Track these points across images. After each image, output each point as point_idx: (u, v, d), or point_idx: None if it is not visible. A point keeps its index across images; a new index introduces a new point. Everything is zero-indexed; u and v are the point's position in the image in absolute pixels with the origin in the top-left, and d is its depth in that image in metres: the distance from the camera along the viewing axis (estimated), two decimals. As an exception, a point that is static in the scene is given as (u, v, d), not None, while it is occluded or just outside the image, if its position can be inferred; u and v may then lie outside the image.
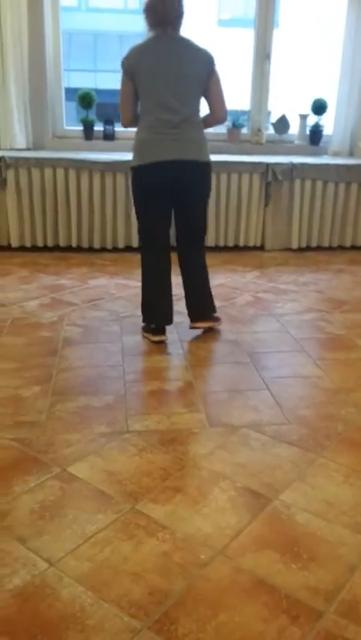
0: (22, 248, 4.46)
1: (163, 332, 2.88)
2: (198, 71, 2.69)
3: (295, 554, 1.51)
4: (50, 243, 4.47)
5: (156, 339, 2.86)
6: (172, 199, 2.81)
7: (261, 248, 4.73)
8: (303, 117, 4.99)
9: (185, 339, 2.92)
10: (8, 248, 4.45)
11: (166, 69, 2.65)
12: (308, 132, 5.02)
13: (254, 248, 4.71)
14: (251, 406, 2.27)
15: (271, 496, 1.73)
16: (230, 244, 4.65)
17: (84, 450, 1.95)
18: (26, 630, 1.28)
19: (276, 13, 4.95)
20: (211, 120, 2.83)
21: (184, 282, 2.98)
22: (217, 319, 3.06)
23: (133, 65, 2.68)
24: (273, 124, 5.04)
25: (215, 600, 1.37)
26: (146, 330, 2.95)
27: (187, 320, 3.09)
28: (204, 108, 2.81)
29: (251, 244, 4.68)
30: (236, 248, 4.68)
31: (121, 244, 4.52)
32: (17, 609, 1.33)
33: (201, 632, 1.28)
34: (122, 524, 1.60)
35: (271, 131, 5.05)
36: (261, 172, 4.50)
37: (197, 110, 2.76)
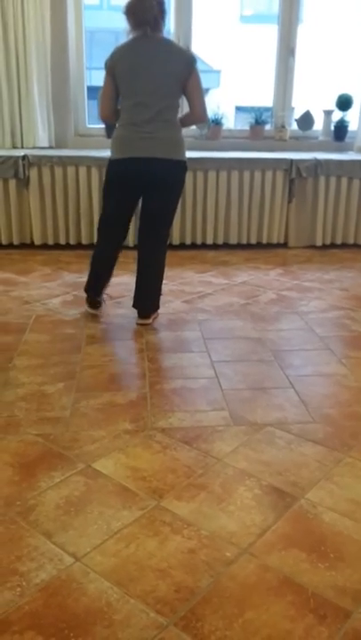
0: (45, 246, 4.49)
1: (93, 306, 3.17)
2: (177, 71, 2.75)
3: (322, 553, 1.50)
4: (72, 240, 4.49)
5: (87, 307, 3.19)
6: (139, 195, 2.94)
7: (285, 245, 4.70)
8: (328, 113, 4.94)
9: (208, 337, 2.91)
10: (31, 246, 4.49)
11: (145, 69, 2.74)
12: (332, 128, 4.96)
13: (277, 245, 4.68)
14: (275, 404, 2.25)
15: (297, 495, 1.72)
16: (253, 241, 4.63)
17: (109, 446, 1.95)
18: (53, 624, 1.28)
19: (301, 8, 4.90)
20: (189, 119, 2.92)
21: (136, 276, 3.06)
22: (154, 315, 3.10)
23: (114, 64, 2.79)
24: (297, 121, 5.00)
25: (242, 598, 1.36)
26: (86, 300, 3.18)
27: (210, 319, 3.08)
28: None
29: (274, 241, 4.65)
30: (259, 245, 4.66)
31: (143, 242, 4.52)
32: (43, 603, 1.34)
33: (228, 629, 1.28)
34: (147, 521, 1.60)
35: (295, 127, 5.01)
36: (285, 169, 4.47)
37: (174, 110, 2.84)
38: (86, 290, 3.15)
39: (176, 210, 2.99)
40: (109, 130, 2.95)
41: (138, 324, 3.05)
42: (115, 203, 2.94)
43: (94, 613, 1.31)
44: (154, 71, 2.74)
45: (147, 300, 3.05)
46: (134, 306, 3.07)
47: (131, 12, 2.73)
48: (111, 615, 1.31)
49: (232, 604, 1.34)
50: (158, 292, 3.07)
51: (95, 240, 3.14)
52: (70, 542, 1.52)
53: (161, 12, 2.75)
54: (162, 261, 3.04)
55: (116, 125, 2.88)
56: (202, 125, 4.69)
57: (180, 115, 2.89)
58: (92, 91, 5.13)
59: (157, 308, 3.09)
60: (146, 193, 2.91)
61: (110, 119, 2.91)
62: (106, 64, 2.82)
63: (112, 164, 2.88)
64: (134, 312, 3.22)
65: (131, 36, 2.78)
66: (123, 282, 3.77)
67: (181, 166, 2.86)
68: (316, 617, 1.31)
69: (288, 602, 1.35)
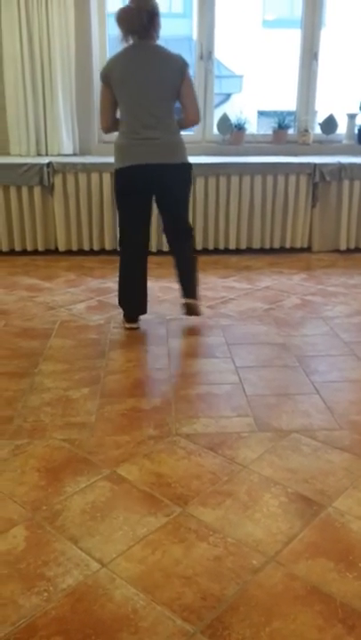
0: (69, 252, 4.53)
1: (134, 320, 3.09)
2: (170, 77, 2.81)
3: (350, 562, 1.48)
4: (96, 246, 4.53)
5: (128, 326, 3.08)
6: (150, 200, 2.97)
7: (308, 250, 4.66)
8: (352, 117, 4.90)
9: (232, 342, 2.90)
10: (55, 252, 4.53)
11: (140, 77, 2.79)
12: (356, 132, 4.92)
13: (301, 250, 4.65)
14: (301, 411, 2.23)
15: (324, 503, 1.70)
16: (276, 245, 4.60)
17: (133, 452, 1.96)
18: (79, 630, 1.29)
19: (323, 13, 4.88)
20: (185, 122, 2.94)
21: (177, 269, 3.10)
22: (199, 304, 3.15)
23: (109, 74, 2.82)
24: (320, 124, 4.97)
25: (269, 606, 1.34)
26: (124, 316, 3.12)
27: (234, 324, 3.08)
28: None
29: (297, 245, 4.62)
30: (282, 250, 4.63)
31: (166, 248, 4.52)
32: (70, 608, 1.34)
33: (255, 638, 1.26)
34: (172, 527, 1.60)
35: (318, 131, 4.98)
36: (308, 173, 4.44)
37: (171, 114, 2.89)
38: (124, 309, 3.10)
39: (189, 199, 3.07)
40: None
41: (189, 308, 3.09)
42: (131, 211, 2.95)
43: (120, 620, 1.31)
44: (149, 78, 2.78)
45: (194, 284, 3.09)
46: (184, 295, 3.09)
47: (120, 21, 2.78)
48: (137, 622, 1.31)
49: (259, 613, 1.33)
50: (198, 282, 3.14)
51: (120, 250, 3.08)
52: (96, 548, 1.52)
53: (152, 21, 2.79)
54: (194, 250, 3.15)
55: (118, 134, 2.91)
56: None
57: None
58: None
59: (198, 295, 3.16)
60: (157, 196, 2.96)
61: (111, 129, 2.96)
62: (101, 75, 2.87)
63: (119, 174, 2.89)
64: (156, 318, 3.23)
65: (123, 45, 2.84)
66: (146, 287, 3.78)
67: (187, 168, 2.93)
68: (344, 627, 1.29)
69: (316, 611, 1.33)
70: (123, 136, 2.88)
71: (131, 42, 2.81)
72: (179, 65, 2.81)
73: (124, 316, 3.11)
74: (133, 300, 3.08)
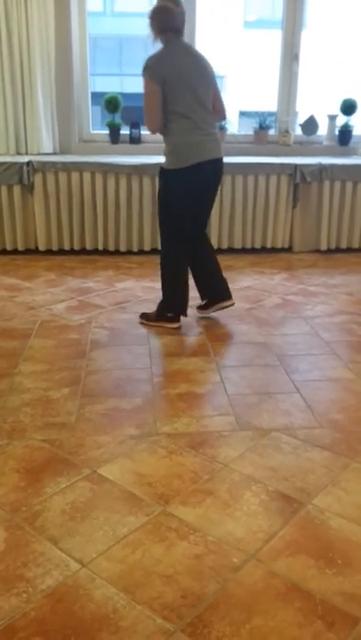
0: (49, 251, 4.50)
1: (179, 319, 3.08)
2: (211, 73, 2.90)
3: (330, 559, 1.49)
4: (76, 246, 4.50)
5: (175, 326, 3.05)
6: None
7: (289, 250, 4.69)
8: (332, 118, 4.94)
9: (213, 341, 2.90)
10: (35, 251, 4.50)
11: (194, 73, 2.81)
12: (336, 133, 4.96)
13: (282, 250, 4.68)
14: (281, 409, 2.24)
15: (304, 500, 1.71)
16: (258, 245, 4.62)
17: (114, 452, 1.95)
18: (59, 631, 1.28)
19: (304, 14, 4.91)
20: (218, 119, 3.01)
21: (208, 269, 3.12)
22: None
23: (163, 72, 2.75)
24: (301, 125, 5.00)
25: (249, 604, 1.35)
26: (165, 319, 3.06)
27: (215, 323, 3.08)
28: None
29: (279, 245, 4.64)
30: (264, 250, 4.65)
31: (147, 247, 4.53)
32: (50, 609, 1.33)
33: (235, 636, 1.27)
34: (153, 527, 1.59)
35: (299, 132, 5.01)
36: (289, 174, 4.47)
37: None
38: (174, 309, 3.05)
39: None
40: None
41: (224, 307, 3.17)
42: (198, 209, 2.96)
43: (100, 620, 1.30)
44: (200, 74, 2.82)
45: (225, 283, 3.16)
46: (226, 297, 3.15)
47: (161, 18, 2.76)
48: (117, 621, 1.30)
49: (239, 611, 1.33)
50: None
51: (168, 259, 3.01)
52: (76, 548, 1.51)
53: (183, 21, 2.84)
54: None
55: (172, 133, 2.83)
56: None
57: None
58: (95, 96, 5.16)
59: None
60: (208, 193, 2.98)
61: (161, 129, 2.86)
62: (150, 72, 2.74)
63: (182, 173, 2.82)
64: (137, 318, 3.21)
65: (161, 43, 2.80)
66: (127, 287, 3.78)
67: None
68: (324, 623, 1.30)
69: (296, 608, 1.34)
70: (186, 133, 2.81)
71: (163, 39, 2.79)
72: (210, 63, 2.90)
73: (174, 316, 3.05)
74: (185, 299, 3.05)
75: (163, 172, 2.88)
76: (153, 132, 2.86)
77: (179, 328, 3.05)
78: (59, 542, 1.53)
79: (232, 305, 3.19)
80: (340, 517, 1.63)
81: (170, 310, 3.05)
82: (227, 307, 3.18)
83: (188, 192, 2.87)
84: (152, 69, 2.75)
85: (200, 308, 3.24)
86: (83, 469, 1.85)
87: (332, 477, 1.81)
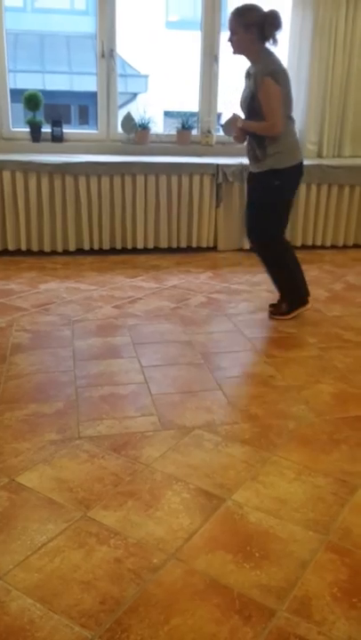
0: (-30, 253, 4.34)
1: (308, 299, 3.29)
2: None
3: (248, 553, 1.51)
4: (-1, 247, 4.37)
5: (309, 306, 3.28)
6: None
7: (214, 249, 4.75)
8: (252, 119, 5.03)
9: (138, 341, 2.90)
10: None
11: (290, 82, 2.95)
12: (257, 134, 5.06)
13: (207, 249, 4.73)
14: (204, 407, 2.26)
15: (224, 496, 1.73)
16: (183, 245, 4.65)
17: (34, 458, 1.90)
18: (-28, 648, 1.23)
19: (223, 15, 4.98)
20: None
21: (299, 268, 3.24)
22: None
23: (284, 77, 2.87)
24: (222, 126, 5.07)
25: (168, 604, 1.35)
26: (298, 305, 3.24)
27: (140, 323, 3.08)
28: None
29: (204, 244, 4.69)
30: (190, 249, 4.69)
31: (72, 247, 4.46)
32: None
33: (153, 638, 1.27)
34: (72, 533, 1.57)
35: (221, 132, 5.08)
36: (212, 174, 4.52)
37: None
38: (305, 293, 3.23)
39: None
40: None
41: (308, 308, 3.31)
42: (291, 207, 3.16)
43: (16, 632, 1.27)
44: (290, 82, 2.95)
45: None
46: (307, 293, 3.27)
47: (277, 23, 2.83)
48: (34, 633, 1.27)
49: (158, 612, 1.33)
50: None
51: (278, 246, 3.17)
52: (-8, 560, 1.47)
53: None
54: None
55: (285, 134, 2.93)
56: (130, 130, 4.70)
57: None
58: (17, 93, 5.01)
59: None
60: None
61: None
62: (278, 77, 2.83)
63: (295, 169, 3.00)
64: (61, 319, 3.16)
65: (261, 48, 2.88)
66: (51, 288, 3.70)
67: None
68: (241, 618, 1.32)
69: (214, 605, 1.35)
70: (292, 135, 2.98)
71: (266, 45, 2.88)
72: None
73: (304, 301, 3.23)
74: (305, 280, 3.23)
75: (276, 172, 2.96)
76: (277, 133, 2.90)
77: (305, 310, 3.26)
78: (-27, 556, 1.48)
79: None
80: (258, 511, 1.67)
81: (302, 295, 3.21)
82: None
83: (294, 187, 3.08)
84: (277, 74, 2.83)
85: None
86: (0, 478, 1.79)
87: (251, 472, 1.85)
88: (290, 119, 2.98)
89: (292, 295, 3.25)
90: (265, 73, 2.83)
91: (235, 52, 2.97)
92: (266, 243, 3.16)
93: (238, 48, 2.93)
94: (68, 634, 1.27)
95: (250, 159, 3.09)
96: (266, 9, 2.85)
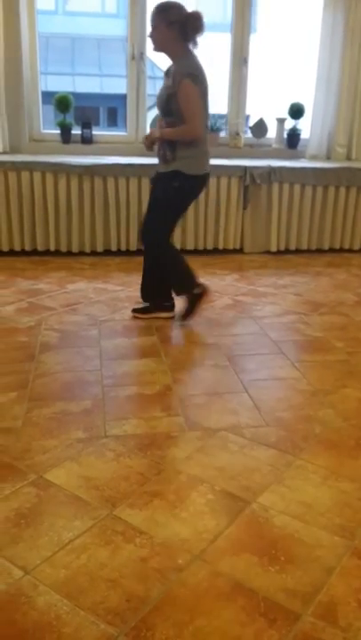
0: None
1: (173, 309, 3.26)
2: None
3: (273, 556, 1.51)
4: (27, 247, 4.43)
5: (171, 315, 3.21)
6: None
7: (241, 251, 4.74)
8: (281, 121, 5.03)
9: (164, 342, 2.91)
10: (-15, 252, 4.40)
11: (207, 89, 2.89)
12: (285, 136, 5.05)
13: (233, 251, 4.72)
14: (229, 409, 2.26)
15: (249, 499, 1.73)
16: (209, 247, 4.66)
17: (61, 456, 1.93)
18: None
19: (253, 18, 4.98)
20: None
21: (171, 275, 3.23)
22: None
23: (202, 79, 2.81)
24: (251, 128, 5.07)
25: (192, 605, 1.36)
26: (156, 310, 3.22)
27: (166, 325, 3.10)
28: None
29: (230, 246, 4.69)
30: (216, 251, 4.69)
31: (100, 248, 4.50)
32: (-9, 619, 1.31)
33: (178, 637, 1.27)
34: (99, 530, 1.58)
35: (249, 134, 5.08)
36: (240, 176, 4.52)
37: None
38: (194, 284, 3.17)
39: None
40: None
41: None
42: (183, 213, 3.18)
43: (43, 627, 1.29)
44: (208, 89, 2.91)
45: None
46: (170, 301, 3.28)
47: (198, 25, 2.78)
48: (60, 628, 1.29)
49: (183, 612, 1.34)
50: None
51: (162, 247, 3.12)
52: (19, 555, 1.49)
53: None
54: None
55: (197, 140, 2.88)
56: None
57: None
58: (47, 96, 5.09)
59: None
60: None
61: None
62: (196, 77, 2.78)
63: (200, 179, 2.98)
64: (89, 319, 3.19)
65: (183, 49, 2.82)
66: (79, 288, 3.74)
67: None
68: (266, 621, 1.32)
69: (239, 607, 1.36)
70: (204, 143, 2.94)
71: (190, 47, 2.84)
72: None
73: (200, 288, 3.16)
74: (192, 271, 3.21)
75: (180, 175, 2.90)
76: (197, 137, 2.86)
77: (173, 317, 3.20)
78: (2, 550, 1.51)
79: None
80: (283, 515, 1.66)
81: (190, 288, 3.14)
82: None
83: (193, 196, 3.07)
84: (195, 77, 2.78)
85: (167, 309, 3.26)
86: (28, 475, 1.82)
87: (276, 475, 1.84)
88: (205, 127, 2.91)
89: (155, 297, 3.22)
90: (184, 74, 2.75)
91: (155, 49, 2.88)
92: (152, 243, 3.11)
93: (159, 45, 2.84)
94: (93, 630, 1.28)
95: (159, 159, 2.99)
96: (190, 9, 2.79)
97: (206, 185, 3.07)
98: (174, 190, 2.95)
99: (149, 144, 2.99)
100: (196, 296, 3.15)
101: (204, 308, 3.22)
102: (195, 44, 2.84)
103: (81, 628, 1.29)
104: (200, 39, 2.84)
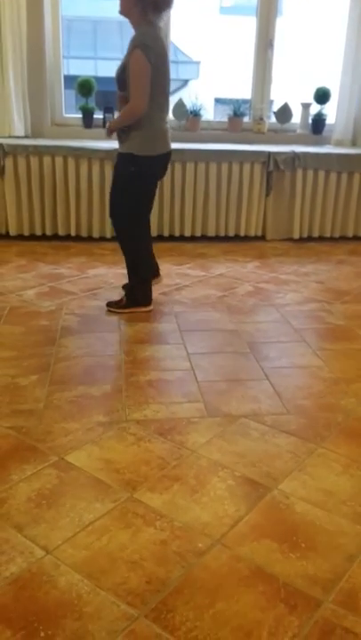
0: (20, 237, 4.43)
1: (151, 302, 3.16)
2: None
3: (294, 543, 1.51)
4: (48, 232, 4.44)
5: (149, 309, 3.11)
6: None
7: (262, 238, 4.70)
8: (306, 106, 4.94)
9: (185, 329, 2.90)
10: (6, 237, 4.42)
11: (167, 61, 2.77)
12: (310, 121, 4.97)
13: (255, 238, 4.68)
14: (250, 396, 2.25)
15: (270, 485, 1.72)
16: (231, 233, 4.62)
17: (82, 439, 1.94)
18: (22, 617, 1.27)
19: (280, 1, 4.89)
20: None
21: (149, 248, 3.20)
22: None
23: (156, 52, 2.66)
24: (275, 113, 5.00)
25: (213, 589, 1.36)
26: (135, 304, 3.10)
27: (187, 311, 3.08)
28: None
29: (252, 233, 4.65)
30: (237, 238, 4.65)
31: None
32: (13, 596, 1.32)
33: (198, 620, 1.28)
34: (119, 513, 1.59)
35: (273, 119, 5.01)
36: (263, 162, 4.46)
37: None
38: (147, 273, 3.13)
39: None
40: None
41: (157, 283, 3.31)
42: (152, 196, 3.00)
43: (64, 606, 1.30)
44: (168, 63, 2.79)
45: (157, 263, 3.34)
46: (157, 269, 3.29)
47: (166, 3, 2.70)
48: (82, 608, 1.30)
49: (203, 595, 1.34)
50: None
51: (135, 231, 3.04)
52: (41, 535, 1.51)
53: None
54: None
55: (150, 118, 2.75)
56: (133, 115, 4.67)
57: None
58: (69, 80, 5.06)
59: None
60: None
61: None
62: (149, 52, 2.62)
63: (156, 160, 2.84)
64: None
65: (147, 21, 2.66)
66: (99, 273, 3.74)
67: None
68: (286, 607, 1.32)
69: (259, 592, 1.35)
70: (161, 121, 2.81)
71: (155, 21, 2.69)
72: None
73: (148, 281, 3.13)
74: (155, 263, 3.23)
75: (134, 157, 2.79)
76: (139, 113, 2.69)
77: (151, 310, 3.10)
78: (23, 529, 1.52)
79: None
80: (304, 502, 1.65)
81: (146, 280, 3.11)
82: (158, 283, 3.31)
83: (156, 179, 2.95)
84: (149, 48, 2.61)
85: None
86: (50, 456, 1.84)
87: (297, 462, 1.83)
88: (160, 105, 2.76)
89: (133, 291, 3.10)
90: (136, 44, 2.61)
91: (120, 12, 2.74)
92: (123, 228, 3.02)
93: (123, 9, 2.72)
94: (114, 610, 1.29)
95: (118, 137, 2.88)
96: None
97: (166, 165, 2.93)
98: (132, 175, 2.83)
99: (109, 133, 2.88)
100: (139, 302, 3.08)
101: (138, 313, 3.07)
102: (158, 16, 2.70)
103: (102, 607, 1.30)
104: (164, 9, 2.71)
